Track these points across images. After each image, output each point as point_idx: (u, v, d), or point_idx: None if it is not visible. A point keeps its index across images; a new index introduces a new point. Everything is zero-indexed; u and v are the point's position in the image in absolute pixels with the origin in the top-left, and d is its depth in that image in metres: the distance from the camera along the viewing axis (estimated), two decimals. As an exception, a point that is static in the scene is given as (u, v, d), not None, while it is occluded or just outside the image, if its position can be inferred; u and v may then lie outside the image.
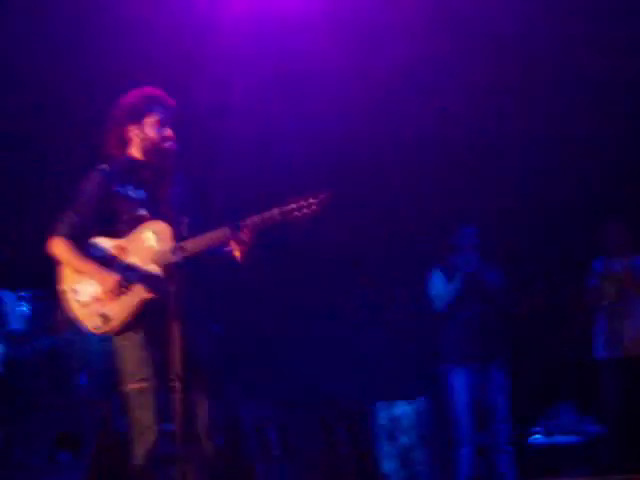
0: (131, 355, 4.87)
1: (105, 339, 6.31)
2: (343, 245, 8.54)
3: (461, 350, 7.58)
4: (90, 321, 4.88)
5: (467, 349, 7.57)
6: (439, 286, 7.70)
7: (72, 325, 6.03)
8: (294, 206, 4.70)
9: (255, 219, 4.73)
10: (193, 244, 4.75)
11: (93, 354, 6.99)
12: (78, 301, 4.93)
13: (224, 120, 8.02)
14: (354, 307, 8.57)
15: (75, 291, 4.94)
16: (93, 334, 4.98)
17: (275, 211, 4.71)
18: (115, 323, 4.83)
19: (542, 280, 8.44)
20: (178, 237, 4.72)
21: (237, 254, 4.87)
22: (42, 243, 5.12)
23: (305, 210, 4.69)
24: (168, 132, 4.99)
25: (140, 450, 4.80)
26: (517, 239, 8.57)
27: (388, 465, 7.69)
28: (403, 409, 8.00)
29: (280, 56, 8.02)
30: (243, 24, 7.79)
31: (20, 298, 7.23)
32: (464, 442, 7.48)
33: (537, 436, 8.38)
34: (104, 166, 5.06)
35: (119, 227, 4.98)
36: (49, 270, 5.31)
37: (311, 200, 4.70)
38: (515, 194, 8.64)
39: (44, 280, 6.99)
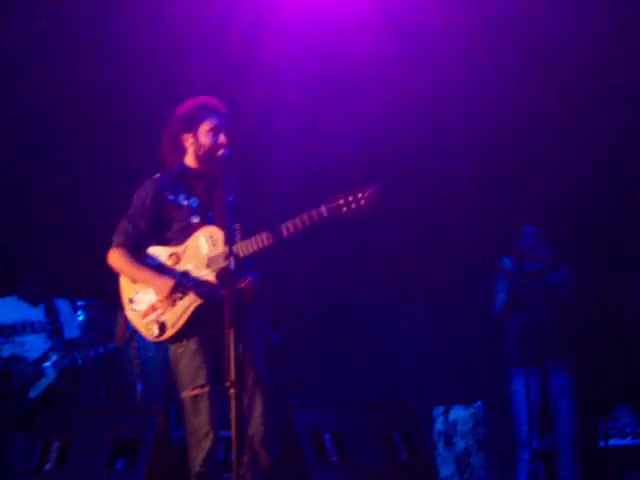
0: (186, 362, 4.90)
1: (161, 347, 6.45)
2: (404, 246, 8.46)
3: (522, 353, 7.49)
4: (147, 329, 4.94)
5: (529, 352, 7.47)
6: (503, 288, 7.61)
7: (132, 333, 6.15)
8: (341, 202, 4.66)
9: (297, 220, 4.71)
10: (244, 248, 4.77)
11: (149, 363, 7.04)
12: (135, 310, 4.99)
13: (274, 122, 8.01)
14: (411, 310, 8.50)
15: (132, 301, 5.01)
16: (150, 342, 5.02)
17: (322, 208, 4.68)
18: (172, 330, 4.87)
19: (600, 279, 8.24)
20: (231, 243, 4.71)
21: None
22: (98, 253, 5.19)
23: (353, 205, 4.64)
24: (222, 139, 5.01)
25: (197, 457, 4.82)
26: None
27: (445, 470, 7.65)
28: (459, 413, 7.95)
29: (329, 57, 8.00)
30: (293, 25, 7.81)
31: (76, 307, 7.28)
32: (524, 445, 7.40)
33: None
34: (157, 175, 5.14)
35: (173, 235, 5.02)
36: (105, 280, 5.38)
37: (359, 195, 4.65)
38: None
39: (100, 290, 7.13)
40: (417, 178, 8.35)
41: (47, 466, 5.43)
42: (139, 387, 6.97)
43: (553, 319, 7.48)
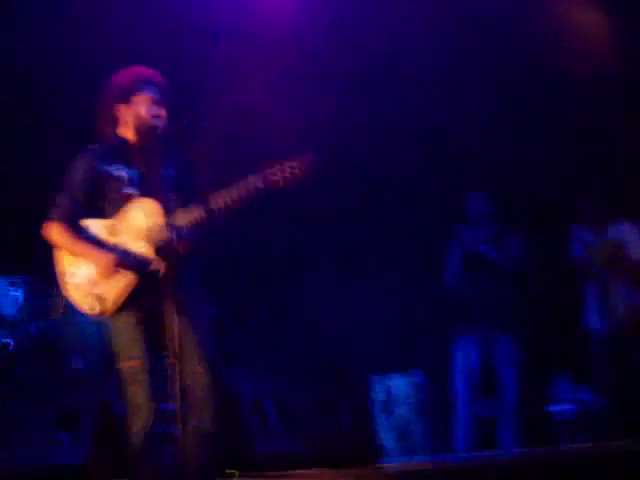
0: (124, 334, 4.88)
1: (99, 321, 6.42)
2: (353, 210, 8.48)
3: (467, 321, 7.59)
4: (86, 302, 4.88)
5: (474, 320, 7.58)
6: (448, 259, 7.68)
7: (69, 308, 6.11)
8: (275, 169, 4.65)
9: (232, 191, 4.68)
10: (180, 218, 4.73)
11: (87, 337, 6.99)
12: (73, 283, 4.93)
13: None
14: (353, 277, 8.53)
15: (70, 274, 4.94)
16: (88, 317, 4.99)
17: (256, 177, 4.66)
18: (109, 303, 4.83)
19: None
20: (168, 215, 4.72)
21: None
22: (35, 228, 5.14)
23: (287, 173, 4.64)
24: (159, 111, 4.98)
25: (135, 428, 4.79)
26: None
27: (385, 438, 7.73)
28: (398, 382, 8.03)
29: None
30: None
31: (12, 284, 7.21)
32: (462, 413, 7.51)
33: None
34: (93, 146, 5.07)
35: (108, 206, 4.97)
36: (41, 255, 5.33)
37: (294, 162, 4.65)
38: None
39: (36, 265, 7.06)
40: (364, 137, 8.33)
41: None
42: (79, 363, 6.94)
43: (499, 288, 7.58)
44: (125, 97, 5.02)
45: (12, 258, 7.46)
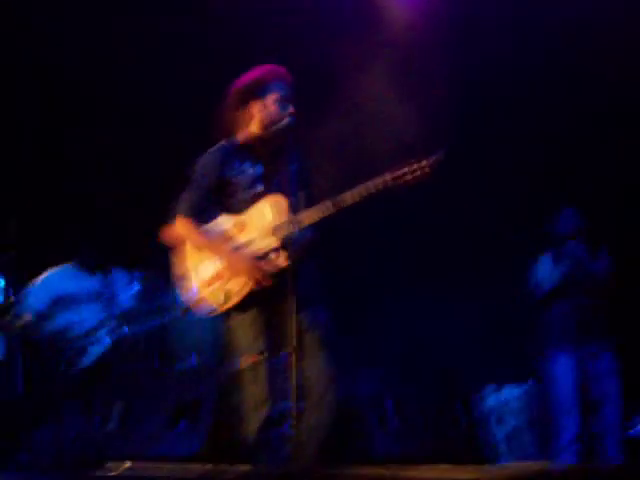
0: (245, 330, 4.91)
1: (217, 318, 6.52)
2: (456, 222, 8.46)
3: (565, 336, 7.53)
4: (213, 298, 4.93)
5: (571, 335, 7.51)
6: (545, 271, 7.64)
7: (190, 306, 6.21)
8: (406, 170, 4.67)
9: (362, 188, 4.70)
10: (308, 216, 4.79)
11: (201, 335, 7.07)
12: (200, 279, 4.99)
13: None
14: (467, 286, 8.49)
15: (197, 270, 5.01)
16: (210, 313, 5.03)
17: (387, 175, 4.69)
18: (237, 298, 4.87)
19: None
20: (295, 211, 4.77)
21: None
22: (156, 224, 5.23)
23: (417, 173, 4.66)
24: (290, 108, 5.04)
25: (252, 425, 4.83)
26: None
27: (497, 447, 7.66)
28: (511, 392, 7.97)
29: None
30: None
31: (132, 278, 7.34)
32: (566, 428, 7.42)
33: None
34: (221, 143, 5.14)
35: (237, 203, 5.02)
36: (162, 251, 5.40)
37: (423, 162, 4.67)
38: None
39: (156, 261, 7.19)
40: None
41: (110, 425, 5.53)
42: (192, 359, 7.04)
43: (594, 302, 7.51)
44: (256, 94, 5.08)
45: (132, 253, 7.57)
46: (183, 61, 8.00)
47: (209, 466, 4.68)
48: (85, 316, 6.84)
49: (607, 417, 7.47)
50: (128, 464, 4.70)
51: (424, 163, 4.67)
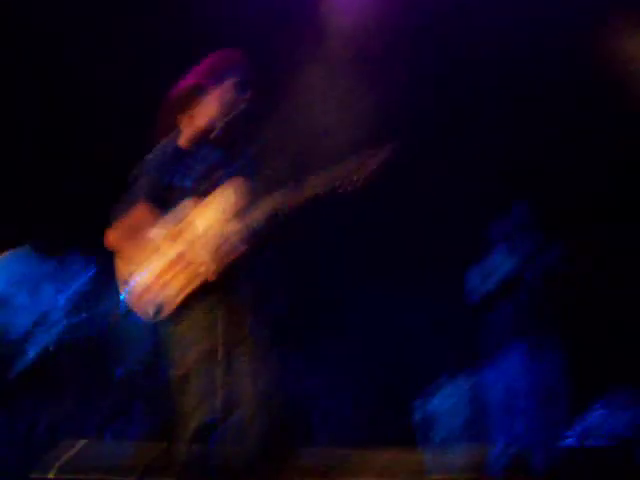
0: (177, 340, 4.86)
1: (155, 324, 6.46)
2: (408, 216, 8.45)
3: (512, 332, 7.54)
4: (148, 306, 4.85)
5: (518, 331, 7.52)
6: (495, 264, 7.65)
7: (125, 316, 6.15)
8: (351, 165, 4.65)
9: (317, 178, 4.67)
10: (263, 206, 4.72)
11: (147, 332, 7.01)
12: (135, 286, 4.89)
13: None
14: (416, 282, 8.50)
15: (131, 277, 4.91)
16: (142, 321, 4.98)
17: (336, 169, 4.66)
18: (171, 306, 4.80)
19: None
20: (251, 200, 4.74)
21: None
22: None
23: (361, 169, 4.62)
24: (245, 94, 5.00)
25: (182, 438, 4.76)
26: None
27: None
28: (453, 390, 7.93)
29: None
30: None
31: (87, 262, 7.27)
32: (506, 428, 7.46)
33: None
34: (153, 155, 5.07)
35: (193, 192, 4.94)
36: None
37: (370, 158, 4.65)
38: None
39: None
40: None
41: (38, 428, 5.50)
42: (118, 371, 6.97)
43: (543, 297, 7.54)
44: (183, 106, 5.05)
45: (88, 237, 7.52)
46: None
47: (164, 445, 4.65)
48: (20, 318, 6.78)
49: (551, 416, 7.52)
50: (83, 442, 4.66)
51: (371, 158, 4.63)
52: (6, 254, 7.09)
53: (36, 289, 6.89)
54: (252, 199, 4.77)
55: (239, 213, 4.73)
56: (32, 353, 6.64)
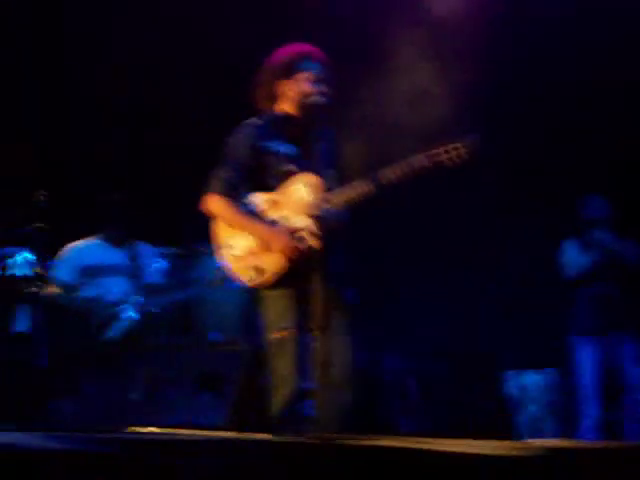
0: (277, 305, 4.96)
1: (245, 293, 6.53)
2: (488, 202, 8.43)
3: (590, 322, 7.56)
4: (244, 274, 4.97)
5: (597, 322, 7.54)
6: (572, 256, 7.68)
7: (223, 280, 6.25)
8: (442, 149, 4.67)
9: (398, 167, 4.71)
10: (339, 196, 4.82)
11: (229, 309, 7.10)
12: (233, 255, 5.03)
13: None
14: (493, 270, 8.49)
15: (230, 246, 5.04)
16: (235, 288, 5.06)
17: (421, 155, 4.69)
18: (268, 275, 4.91)
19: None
20: (328, 190, 4.81)
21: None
22: (186, 201, 5.25)
23: (454, 152, 4.65)
24: (319, 87, 5.06)
25: (278, 399, 4.88)
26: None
27: (516, 433, 7.68)
28: (532, 378, 7.98)
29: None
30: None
31: (157, 253, 7.39)
32: (588, 414, 7.44)
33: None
34: (253, 120, 5.16)
35: (269, 181, 5.06)
36: (187, 228, 5.42)
37: (458, 145, 4.66)
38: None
39: (181, 238, 7.24)
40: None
41: (133, 395, 5.60)
42: (215, 335, 7.07)
43: (620, 290, 7.55)
44: (287, 73, 5.11)
45: (160, 228, 7.62)
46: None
47: (232, 433, 4.72)
48: (111, 289, 6.91)
49: (629, 406, 7.50)
50: (153, 429, 4.75)
51: (459, 145, 4.66)
52: (78, 243, 7.19)
53: (106, 279, 6.98)
54: (333, 187, 4.86)
55: (321, 200, 4.82)
56: (124, 321, 6.74)
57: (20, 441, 3.61)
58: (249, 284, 5.00)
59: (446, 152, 4.67)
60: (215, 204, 5.05)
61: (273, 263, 4.90)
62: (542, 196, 8.42)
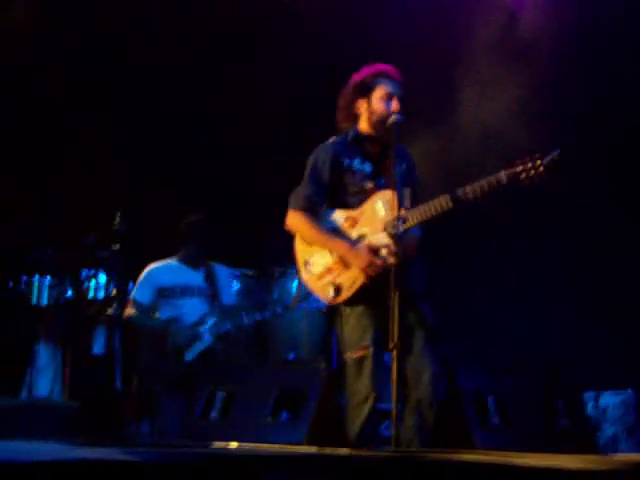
0: (354, 324, 4.97)
1: (321, 312, 6.57)
2: (570, 215, 8.29)
3: None
4: (323, 292, 5.01)
5: None
6: None
7: (306, 297, 6.30)
8: (520, 168, 4.61)
9: (477, 185, 4.68)
10: (416, 214, 4.83)
11: (305, 328, 7.14)
12: (311, 272, 5.08)
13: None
14: (570, 290, 8.37)
15: (308, 263, 5.10)
16: (303, 313, 5.07)
17: (501, 174, 4.64)
18: (347, 293, 4.94)
19: None
20: (404, 207, 4.81)
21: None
22: (261, 224, 5.29)
23: (533, 172, 4.59)
24: (394, 105, 5.08)
25: (356, 420, 4.87)
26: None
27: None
28: (610, 399, 7.88)
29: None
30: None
31: (233, 275, 7.45)
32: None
33: None
34: (333, 139, 5.24)
35: (348, 199, 5.11)
36: (263, 251, 5.47)
37: (538, 162, 4.59)
38: None
39: (257, 260, 7.30)
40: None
41: (212, 414, 5.64)
42: (291, 355, 7.12)
43: None
44: (363, 92, 5.17)
45: (236, 250, 7.67)
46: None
47: (314, 448, 4.73)
48: (188, 310, 6.97)
49: None
50: (235, 444, 4.79)
51: (538, 163, 4.60)
52: (154, 264, 7.26)
53: (183, 301, 7.05)
54: (408, 205, 4.87)
55: (399, 217, 4.77)
56: (203, 342, 6.80)
57: (103, 455, 3.66)
58: (328, 302, 5.04)
59: (525, 171, 4.61)
60: (295, 220, 5.12)
61: (352, 281, 4.93)
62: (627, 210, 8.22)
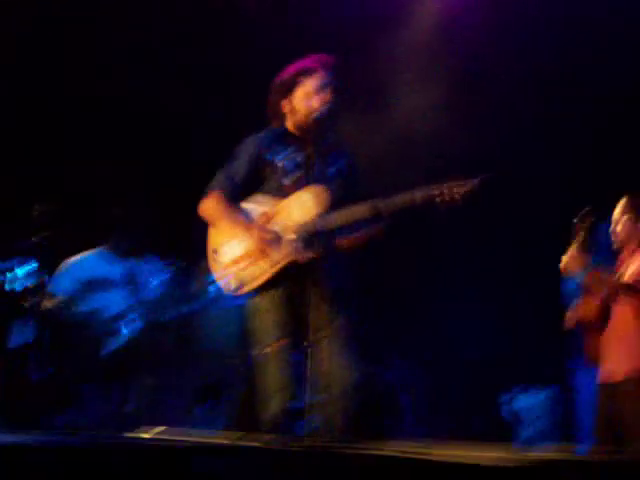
0: (266, 316, 4.94)
1: (243, 303, 6.50)
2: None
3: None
4: (231, 281, 4.97)
5: None
6: None
7: (210, 284, 6.23)
8: (437, 192, 4.64)
9: (391, 201, 4.73)
10: (335, 217, 4.83)
11: (229, 319, 7.06)
12: (218, 262, 5.04)
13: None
14: (502, 287, 8.41)
15: (216, 252, 5.06)
16: (234, 292, 5.03)
17: (416, 194, 4.68)
18: (249, 287, 4.92)
19: None
20: (323, 209, 4.83)
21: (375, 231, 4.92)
22: (188, 213, 5.24)
23: (448, 198, 4.61)
24: (315, 102, 5.06)
25: (273, 409, 4.83)
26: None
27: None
28: (537, 396, 7.89)
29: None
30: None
31: (162, 266, 7.36)
32: (584, 440, 7.38)
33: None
34: (260, 133, 5.21)
35: (265, 194, 5.08)
36: (192, 241, 5.40)
37: (455, 189, 4.62)
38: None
39: (186, 251, 7.22)
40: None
41: (129, 406, 5.60)
42: (218, 343, 7.03)
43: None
44: (284, 93, 5.16)
45: (163, 240, 7.58)
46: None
47: (240, 434, 4.68)
48: (115, 300, 6.88)
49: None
50: (162, 428, 4.71)
51: (455, 191, 4.62)
52: (82, 254, 7.19)
53: (110, 291, 6.96)
54: (340, 203, 4.86)
55: (323, 214, 4.83)
56: (122, 336, 6.72)
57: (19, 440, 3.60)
58: (234, 292, 4.99)
59: (441, 195, 4.63)
60: (209, 202, 5.08)
61: (257, 274, 4.90)
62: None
